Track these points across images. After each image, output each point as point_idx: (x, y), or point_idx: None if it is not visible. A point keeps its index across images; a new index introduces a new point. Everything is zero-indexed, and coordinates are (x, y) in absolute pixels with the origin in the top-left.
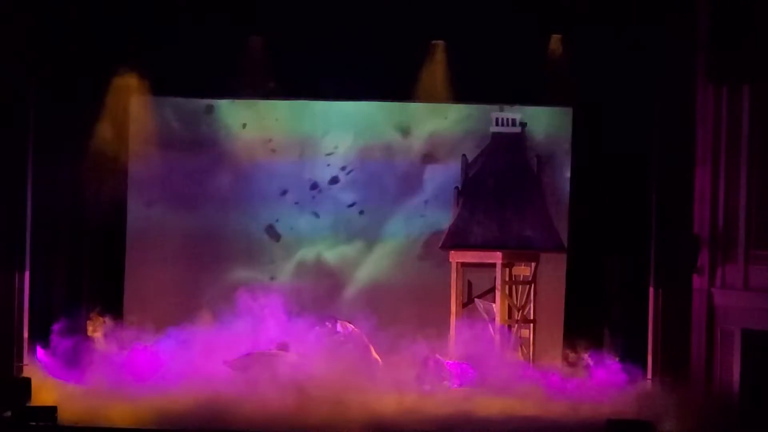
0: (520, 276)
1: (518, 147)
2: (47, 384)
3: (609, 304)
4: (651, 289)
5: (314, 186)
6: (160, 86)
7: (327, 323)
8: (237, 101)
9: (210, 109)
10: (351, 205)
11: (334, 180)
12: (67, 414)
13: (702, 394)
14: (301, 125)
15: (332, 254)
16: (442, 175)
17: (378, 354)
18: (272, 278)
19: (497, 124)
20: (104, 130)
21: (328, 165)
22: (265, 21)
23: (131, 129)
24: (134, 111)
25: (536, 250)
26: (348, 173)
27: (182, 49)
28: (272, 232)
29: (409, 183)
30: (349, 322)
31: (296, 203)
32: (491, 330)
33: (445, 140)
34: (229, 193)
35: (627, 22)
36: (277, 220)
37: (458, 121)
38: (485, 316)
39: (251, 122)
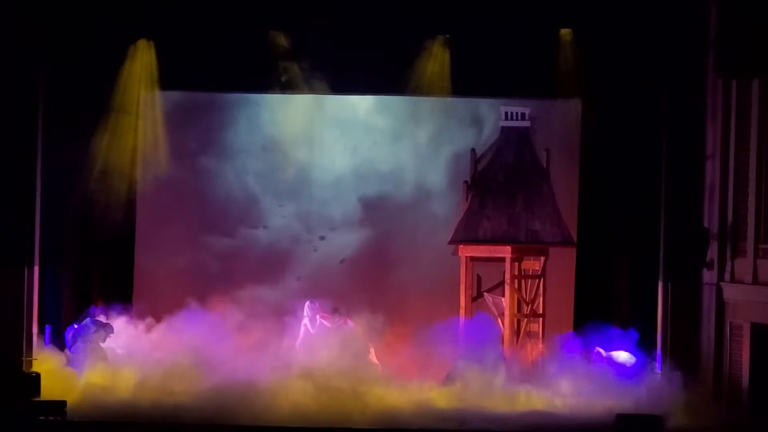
0: (529, 270)
1: (527, 140)
2: (56, 373)
3: (618, 297)
4: (660, 283)
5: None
6: (169, 81)
7: (329, 312)
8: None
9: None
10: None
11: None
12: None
13: (711, 388)
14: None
15: (340, 246)
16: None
17: (383, 349)
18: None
19: (506, 118)
20: (113, 126)
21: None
22: (281, 17)
23: (141, 124)
24: (144, 105)
25: (545, 245)
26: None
27: (189, 44)
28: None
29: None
30: (349, 317)
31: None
32: (500, 324)
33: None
34: (238, 187)
35: (637, 15)
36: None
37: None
38: (494, 310)
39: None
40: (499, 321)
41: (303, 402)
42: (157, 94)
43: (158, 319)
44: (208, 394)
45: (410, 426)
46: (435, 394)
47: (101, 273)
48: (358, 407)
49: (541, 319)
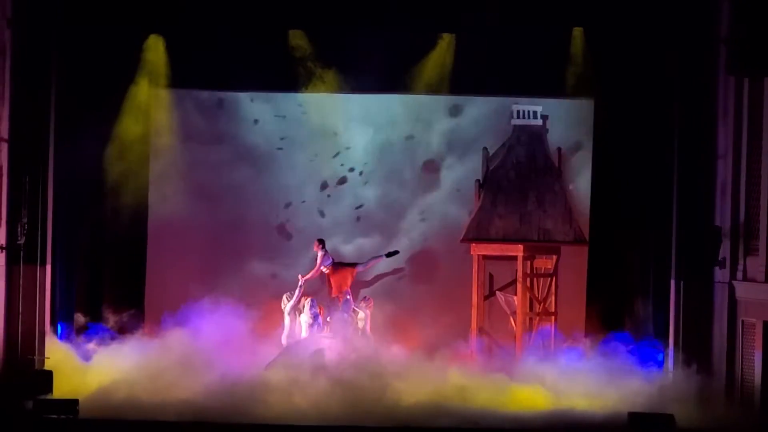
0: (541, 268)
1: (539, 139)
2: (68, 371)
3: (630, 296)
4: (672, 282)
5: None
6: (179, 80)
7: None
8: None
9: (221, 103)
10: (358, 207)
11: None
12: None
13: (723, 386)
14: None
15: (350, 247)
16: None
17: (395, 349)
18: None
19: (518, 117)
20: (125, 127)
21: (341, 165)
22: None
23: (152, 124)
24: (155, 105)
25: (557, 243)
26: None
27: (202, 42)
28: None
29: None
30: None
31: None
32: (512, 322)
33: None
34: (248, 187)
35: (649, 14)
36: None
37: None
38: (506, 308)
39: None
40: (512, 319)
41: (317, 399)
42: (171, 92)
43: (170, 318)
44: (219, 392)
45: (424, 425)
46: (449, 393)
47: (113, 272)
48: (370, 405)
49: (553, 317)
